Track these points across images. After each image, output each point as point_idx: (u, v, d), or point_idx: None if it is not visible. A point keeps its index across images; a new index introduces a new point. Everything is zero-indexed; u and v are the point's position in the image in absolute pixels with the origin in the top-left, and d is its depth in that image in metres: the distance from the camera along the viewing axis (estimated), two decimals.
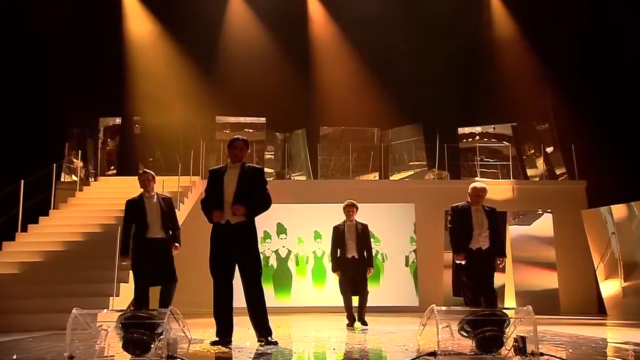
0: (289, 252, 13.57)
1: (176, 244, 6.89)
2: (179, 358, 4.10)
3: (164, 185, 9.81)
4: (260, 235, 12.73)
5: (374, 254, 8.34)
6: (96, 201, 12.10)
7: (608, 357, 5.01)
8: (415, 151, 15.44)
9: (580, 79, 13.83)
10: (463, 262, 6.45)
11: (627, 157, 12.63)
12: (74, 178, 13.94)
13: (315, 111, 16.03)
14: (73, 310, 4.18)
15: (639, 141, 12.41)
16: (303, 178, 15.39)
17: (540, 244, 12.90)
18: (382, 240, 13.41)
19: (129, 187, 7.98)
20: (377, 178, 15.14)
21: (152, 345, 4.23)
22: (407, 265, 13.52)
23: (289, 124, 15.81)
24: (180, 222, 7.43)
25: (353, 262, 7.83)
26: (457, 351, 4.72)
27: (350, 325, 7.88)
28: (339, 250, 7.95)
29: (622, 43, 13.43)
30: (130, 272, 6.91)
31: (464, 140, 15.62)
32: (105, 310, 4.82)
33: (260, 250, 5.66)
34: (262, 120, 15.58)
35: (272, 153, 15.58)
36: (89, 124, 15.29)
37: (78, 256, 9.40)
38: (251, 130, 15.47)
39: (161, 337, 4.23)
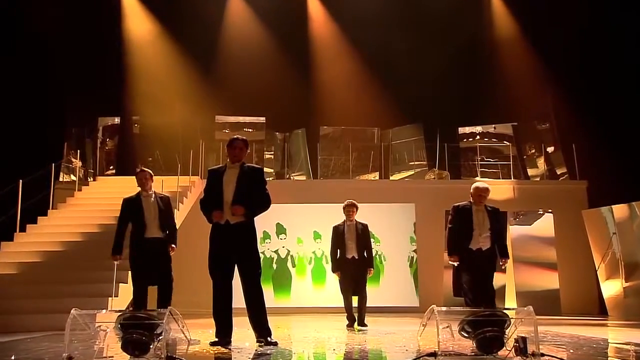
0: (289, 252, 13.55)
1: (172, 245, 6.85)
2: (178, 359, 4.07)
3: (163, 185, 9.79)
4: (259, 235, 12.80)
5: (373, 254, 8.29)
6: (95, 201, 12.07)
7: (609, 358, 4.99)
8: (416, 151, 15.42)
9: (581, 79, 13.80)
10: (455, 264, 6.43)
11: (628, 157, 12.60)
12: (73, 178, 13.91)
13: (315, 111, 16.00)
14: (72, 311, 4.15)
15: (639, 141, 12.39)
16: (303, 178, 15.37)
17: (541, 244, 12.88)
18: (382, 240, 13.38)
19: (128, 187, 7.93)
20: (377, 178, 15.12)
21: (151, 346, 4.20)
22: (407, 265, 13.49)
23: (289, 124, 15.79)
24: (179, 222, 7.42)
25: (353, 262, 7.77)
26: (457, 352, 4.70)
27: (350, 325, 7.84)
28: (338, 251, 7.90)
29: (623, 43, 13.40)
30: (129, 272, 6.88)
31: (465, 140, 15.61)
32: (104, 311, 4.81)
33: (260, 251, 5.64)
34: (262, 119, 15.56)
35: (272, 153, 15.57)
36: (88, 124, 15.27)
37: (77, 256, 9.39)
38: (251, 130, 15.45)
39: (160, 337, 4.21)
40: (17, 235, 10.08)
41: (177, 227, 7.32)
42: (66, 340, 4.11)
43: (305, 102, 15.98)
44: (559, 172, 14.83)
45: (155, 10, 16.33)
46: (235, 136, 5.69)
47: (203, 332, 6.50)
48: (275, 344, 5.30)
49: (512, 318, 4.44)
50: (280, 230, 13.58)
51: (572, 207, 13.31)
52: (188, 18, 15.73)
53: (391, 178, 15.20)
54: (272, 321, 5.55)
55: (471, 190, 6.51)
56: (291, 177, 15.44)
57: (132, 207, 6.75)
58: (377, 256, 13.13)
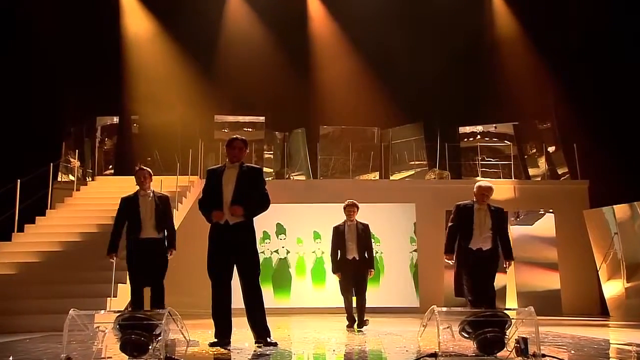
0: (288, 252, 13.51)
1: (171, 249, 6.77)
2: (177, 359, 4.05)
3: (162, 184, 9.74)
4: (259, 235, 12.77)
5: (374, 254, 8.21)
6: (93, 201, 12.04)
7: (610, 359, 4.98)
8: (416, 150, 15.41)
9: (583, 78, 13.76)
10: (451, 262, 6.40)
11: (630, 156, 12.57)
12: (71, 178, 13.87)
13: (315, 110, 15.97)
14: (70, 311, 4.13)
15: None
16: (302, 178, 15.35)
17: (542, 244, 12.88)
18: (382, 240, 13.34)
19: (126, 186, 7.89)
20: (377, 178, 15.12)
21: (150, 347, 4.18)
22: (408, 265, 13.45)
23: (289, 123, 15.78)
24: (178, 222, 7.35)
25: (354, 263, 7.68)
26: (458, 352, 4.69)
27: (350, 326, 7.77)
28: (339, 252, 7.81)
29: (625, 42, 13.36)
30: (128, 272, 6.84)
31: (465, 140, 15.62)
32: (102, 311, 4.79)
33: (259, 251, 5.61)
34: (261, 119, 15.56)
35: (272, 152, 15.58)
36: (86, 123, 15.25)
37: (75, 256, 9.34)
38: (250, 130, 15.45)
39: (159, 338, 4.19)
40: (15, 235, 10.02)
41: (176, 227, 7.25)
42: (64, 340, 4.09)
43: (305, 101, 15.94)
44: (560, 171, 14.82)
45: (154, 9, 16.28)
46: (234, 136, 5.68)
47: (202, 333, 6.47)
48: (275, 344, 5.28)
49: (513, 318, 4.45)
50: (280, 230, 13.54)
51: (574, 207, 13.28)
52: (187, 16, 15.66)
53: (391, 178, 15.19)
54: (272, 322, 5.54)
55: (474, 189, 6.45)
56: (291, 177, 15.41)
57: (129, 206, 6.69)
58: (378, 255, 13.09)
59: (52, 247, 9.65)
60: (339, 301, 8.07)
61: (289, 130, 15.89)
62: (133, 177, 6.94)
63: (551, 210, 13.19)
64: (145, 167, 6.94)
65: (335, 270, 7.89)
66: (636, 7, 12.78)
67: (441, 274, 12.49)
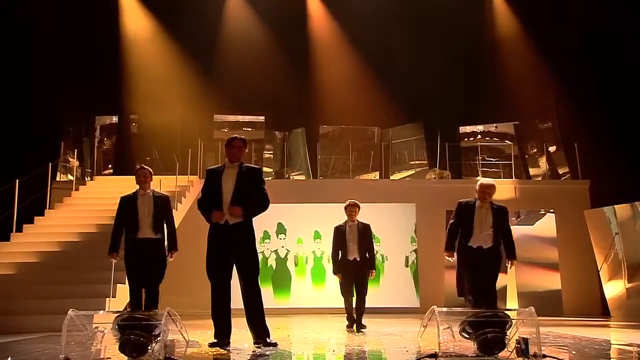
0: (288, 252, 13.47)
1: (172, 251, 6.70)
2: None
3: (161, 184, 9.71)
4: (259, 235, 12.74)
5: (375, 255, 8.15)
6: (92, 201, 12.02)
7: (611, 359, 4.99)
8: (416, 150, 15.40)
9: (584, 77, 13.74)
10: (451, 259, 6.36)
11: (631, 156, 12.55)
12: (70, 177, 13.83)
13: (315, 110, 15.93)
14: (69, 312, 4.14)
15: None
16: (302, 177, 15.34)
17: (543, 245, 12.88)
18: (382, 240, 13.31)
19: (125, 186, 7.85)
20: (377, 177, 15.10)
21: (149, 348, 4.19)
22: (407, 265, 13.44)
23: (288, 123, 15.77)
24: (178, 222, 7.31)
25: (354, 264, 7.61)
26: (458, 353, 4.70)
27: (350, 326, 7.73)
28: (340, 252, 7.76)
29: (626, 41, 13.34)
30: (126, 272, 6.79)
31: (466, 139, 15.62)
32: (101, 312, 4.78)
33: (259, 251, 5.59)
34: (261, 118, 15.56)
35: (271, 152, 15.58)
36: (85, 123, 15.21)
37: (74, 257, 9.31)
38: (250, 129, 15.45)
39: (158, 339, 4.20)
40: (13, 235, 10.00)
41: (176, 227, 7.19)
42: (63, 341, 4.10)
43: (305, 101, 15.92)
44: (561, 171, 14.80)
45: (153, 8, 16.23)
46: (233, 135, 5.68)
47: (202, 334, 6.46)
48: (275, 344, 5.29)
49: (513, 319, 4.46)
50: (280, 230, 13.51)
51: (574, 207, 13.24)
52: (187, 15, 15.62)
53: (391, 178, 15.17)
54: (272, 322, 5.56)
55: (476, 187, 6.40)
56: (291, 177, 15.39)
57: (127, 206, 6.63)
58: (379, 255, 13.05)
59: (50, 247, 9.62)
60: (338, 301, 8.03)
61: (288, 130, 15.88)
62: (132, 177, 6.90)
63: (552, 210, 13.18)
64: (146, 167, 6.88)
65: (336, 271, 7.83)
66: (637, 6, 12.76)
67: (441, 274, 12.47)
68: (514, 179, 14.40)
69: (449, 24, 15.26)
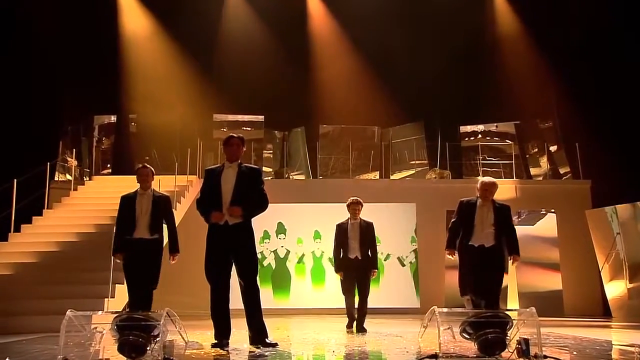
0: (288, 252, 13.44)
1: (174, 254, 6.60)
2: None
3: (160, 184, 9.66)
4: (259, 235, 12.69)
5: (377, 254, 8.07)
6: (91, 201, 12.01)
7: None
8: (417, 150, 15.40)
9: (585, 77, 13.72)
10: (452, 257, 6.30)
11: (632, 156, 12.55)
12: (68, 177, 13.81)
13: (315, 109, 15.93)
14: (67, 312, 4.15)
15: None
16: (302, 177, 15.32)
17: (544, 245, 12.86)
18: (382, 240, 13.23)
19: (124, 186, 7.81)
20: (377, 177, 15.10)
21: (148, 348, 4.19)
22: (407, 265, 13.40)
23: (288, 122, 15.77)
24: (177, 222, 7.25)
25: (356, 263, 7.51)
26: (459, 354, 4.70)
27: (350, 326, 7.66)
28: (341, 250, 7.66)
29: (627, 40, 13.32)
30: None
31: (466, 139, 15.63)
32: (100, 312, 4.76)
33: (258, 251, 5.56)
34: (261, 118, 15.55)
35: (271, 152, 15.59)
36: (84, 122, 15.20)
37: (72, 257, 9.28)
38: (249, 129, 15.43)
39: (157, 339, 4.20)
40: (11, 235, 9.97)
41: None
42: (61, 342, 4.11)
43: (305, 100, 15.91)
44: (562, 171, 14.79)
45: (153, 7, 16.22)
46: (231, 134, 5.68)
47: (201, 334, 6.46)
48: (275, 345, 5.30)
49: (514, 319, 4.47)
50: (280, 229, 13.47)
51: (576, 207, 13.22)
52: (186, 15, 15.62)
53: (392, 177, 15.16)
54: (271, 322, 5.59)
55: (477, 186, 6.35)
56: (290, 177, 15.37)
57: (127, 205, 6.56)
58: (379, 255, 12.99)
59: (49, 247, 9.59)
60: (338, 302, 7.98)
61: (288, 129, 15.89)
62: (131, 176, 6.87)
63: (553, 210, 13.15)
64: (148, 166, 6.80)
65: (337, 270, 7.75)
66: (637, 5, 12.74)
67: (442, 274, 12.47)
68: (514, 178, 14.39)
69: (449, 24, 15.27)
